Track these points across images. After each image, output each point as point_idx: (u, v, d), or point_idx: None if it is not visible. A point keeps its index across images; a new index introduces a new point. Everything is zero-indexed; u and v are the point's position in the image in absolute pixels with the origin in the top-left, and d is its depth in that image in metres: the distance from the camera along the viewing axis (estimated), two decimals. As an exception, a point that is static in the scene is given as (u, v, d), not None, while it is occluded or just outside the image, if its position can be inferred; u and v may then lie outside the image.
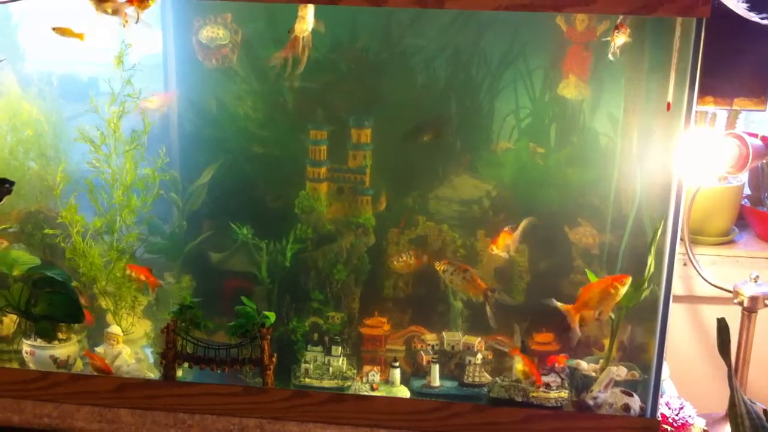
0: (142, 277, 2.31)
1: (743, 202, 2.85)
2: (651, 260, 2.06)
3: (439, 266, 2.23)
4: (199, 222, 2.48)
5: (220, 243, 2.44)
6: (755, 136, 2.44)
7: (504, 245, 2.22)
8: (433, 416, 2.11)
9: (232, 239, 2.39)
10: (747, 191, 2.89)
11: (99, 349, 2.29)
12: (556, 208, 2.38)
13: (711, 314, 2.78)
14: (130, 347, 2.33)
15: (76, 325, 2.32)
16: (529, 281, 2.40)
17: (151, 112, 2.35)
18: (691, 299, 2.77)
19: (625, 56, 2.05)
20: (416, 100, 2.44)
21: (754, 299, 2.38)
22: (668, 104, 1.91)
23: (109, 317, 2.39)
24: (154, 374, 2.28)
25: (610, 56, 1.98)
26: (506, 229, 2.23)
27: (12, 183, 2.21)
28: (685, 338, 2.82)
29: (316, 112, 2.39)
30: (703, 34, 1.84)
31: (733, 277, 2.55)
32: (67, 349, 2.29)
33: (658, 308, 2.04)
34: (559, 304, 2.07)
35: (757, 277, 2.40)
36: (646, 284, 2.09)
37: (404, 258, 2.38)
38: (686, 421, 2.18)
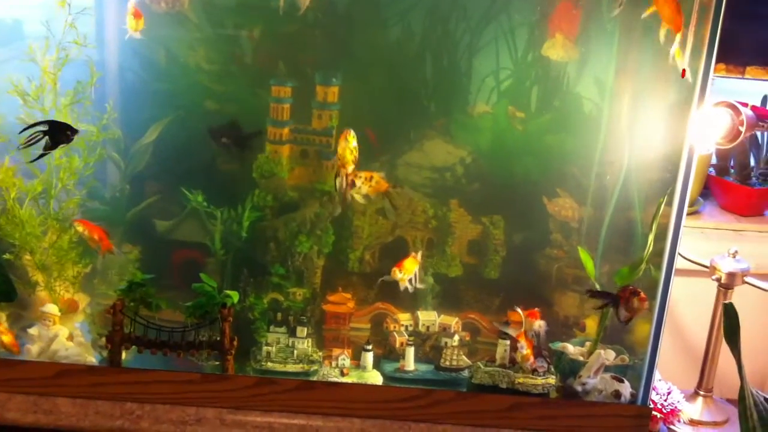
0: (96, 237, 2.04)
1: (708, 172, 2.76)
2: (651, 238, 1.94)
3: (352, 176, 1.96)
4: (142, 186, 2.25)
5: (168, 210, 2.23)
6: (745, 105, 2.32)
7: (410, 271, 2.06)
8: (413, 404, 1.97)
9: (181, 205, 2.19)
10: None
11: (32, 331, 2.03)
12: (534, 177, 2.23)
13: (675, 287, 2.69)
14: (66, 326, 2.07)
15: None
16: (505, 255, 2.24)
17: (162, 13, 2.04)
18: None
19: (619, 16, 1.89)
20: (389, 57, 2.23)
21: (731, 275, 2.28)
22: (683, 71, 1.76)
23: (43, 293, 2.10)
24: (92, 358, 2.04)
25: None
26: (412, 254, 2.09)
27: (75, 131, 1.92)
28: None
29: (278, 65, 2.17)
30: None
31: (700, 250, 2.46)
32: (-6, 330, 2.03)
33: (658, 289, 1.92)
34: None
35: (736, 252, 2.30)
36: (644, 264, 1.96)
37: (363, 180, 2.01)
38: (675, 407, 2.08)
